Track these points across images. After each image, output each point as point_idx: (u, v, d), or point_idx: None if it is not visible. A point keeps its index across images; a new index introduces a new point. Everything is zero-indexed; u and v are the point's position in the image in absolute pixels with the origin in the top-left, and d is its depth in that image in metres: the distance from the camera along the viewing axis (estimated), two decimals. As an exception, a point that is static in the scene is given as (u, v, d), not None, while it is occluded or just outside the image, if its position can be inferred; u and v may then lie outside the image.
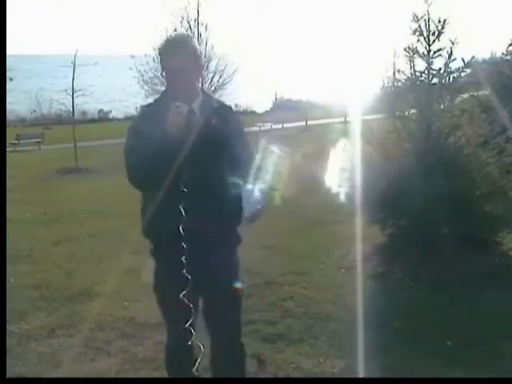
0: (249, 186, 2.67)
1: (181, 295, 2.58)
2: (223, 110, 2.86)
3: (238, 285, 2.91)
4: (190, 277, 2.60)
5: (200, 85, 2.86)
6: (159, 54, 2.80)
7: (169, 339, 2.96)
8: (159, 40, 25.15)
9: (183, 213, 2.57)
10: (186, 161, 2.56)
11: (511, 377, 3.45)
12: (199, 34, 25.14)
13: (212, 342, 2.96)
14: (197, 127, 2.63)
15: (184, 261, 2.59)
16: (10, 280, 5.74)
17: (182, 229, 2.57)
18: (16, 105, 45.95)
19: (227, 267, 2.84)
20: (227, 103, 3.05)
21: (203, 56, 2.86)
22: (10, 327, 4.52)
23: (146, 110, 2.87)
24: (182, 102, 2.61)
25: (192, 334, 2.67)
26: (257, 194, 2.65)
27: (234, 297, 2.90)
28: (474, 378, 3.43)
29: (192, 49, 2.70)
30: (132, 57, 25.34)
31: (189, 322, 2.62)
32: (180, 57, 2.63)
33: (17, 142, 27.22)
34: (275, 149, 2.50)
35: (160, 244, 2.79)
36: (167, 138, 2.53)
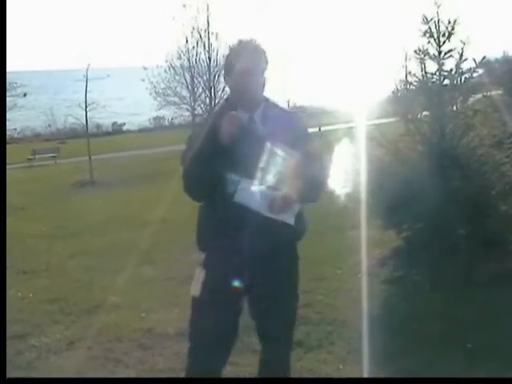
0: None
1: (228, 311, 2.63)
2: (287, 119, 2.76)
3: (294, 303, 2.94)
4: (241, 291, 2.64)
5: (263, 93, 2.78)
6: (231, 53, 2.72)
7: (196, 357, 2.79)
8: (170, 51, 25.53)
9: (236, 225, 2.55)
10: (242, 171, 2.51)
11: (511, 377, 3.40)
12: (210, 44, 25.34)
13: (262, 355, 2.95)
14: (256, 137, 2.58)
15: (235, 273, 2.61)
16: (29, 295, 5.79)
17: (237, 241, 2.57)
18: (31, 120, 46.42)
19: (284, 283, 2.81)
20: (293, 111, 2.98)
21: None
22: (30, 341, 4.56)
23: (206, 118, 2.83)
24: (241, 111, 2.62)
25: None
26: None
27: (289, 315, 2.91)
28: (474, 378, 3.40)
29: (264, 55, 2.71)
30: (145, 68, 25.58)
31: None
32: (255, 57, 2.65)
33: (33, 157, 27.54)
34: (279, 151, 2.46)
35: (213, 256, 2.73)
36: (222, 147, 2.51)
